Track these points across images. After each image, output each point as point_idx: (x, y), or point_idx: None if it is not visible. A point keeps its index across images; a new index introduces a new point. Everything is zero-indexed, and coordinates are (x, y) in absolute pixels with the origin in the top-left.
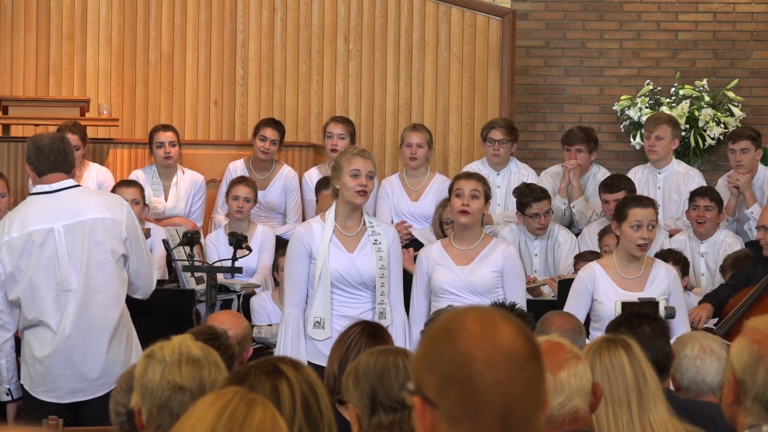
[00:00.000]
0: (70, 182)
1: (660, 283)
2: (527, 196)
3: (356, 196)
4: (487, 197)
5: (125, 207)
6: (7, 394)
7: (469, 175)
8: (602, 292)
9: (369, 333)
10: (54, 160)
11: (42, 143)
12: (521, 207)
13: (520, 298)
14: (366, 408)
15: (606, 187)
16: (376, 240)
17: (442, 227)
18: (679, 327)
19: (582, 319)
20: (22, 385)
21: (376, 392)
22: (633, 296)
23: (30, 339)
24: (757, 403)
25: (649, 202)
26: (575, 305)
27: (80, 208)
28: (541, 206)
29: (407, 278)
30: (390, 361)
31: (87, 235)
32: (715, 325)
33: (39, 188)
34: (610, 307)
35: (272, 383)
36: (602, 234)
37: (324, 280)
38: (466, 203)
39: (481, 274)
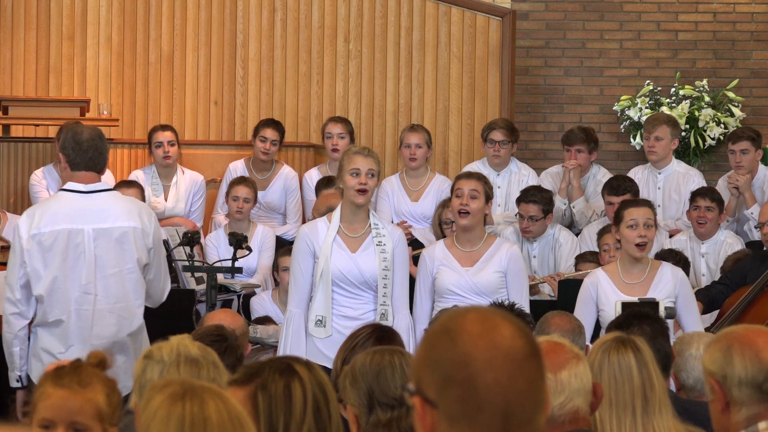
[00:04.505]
0: (104, 185)
1: (665, 286)
2: (520, 195)
3: (356, 195)
4: (488, 197)
5: (153, 217)
6: (18, 381)
7: (470, 175)
8: (604, 299)
9: (378, 336)
10: (90, 157)
11: (81, 137)
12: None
13: (523, 299)
14: (364, 407)
15: (612, 189)
16: (380, 242)
17: (441, 227)
18: (691, 328)
19: (591, 327)
20: (29, 376)
21: (373, 391)
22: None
23: (44, 335)
24: (744, 387)
25: (644, 202)
26: (582, 314)
27: (112, 215)
28: (526, 208)
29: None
30: (386, 360)
31: (116, 243)
32: (712, 324)
33: (72, 186)
34: (612, 313)
35: (285, 382)
36: (602, 233)
37: (325, 279)
38: (465, 203)
39: (486, 275)
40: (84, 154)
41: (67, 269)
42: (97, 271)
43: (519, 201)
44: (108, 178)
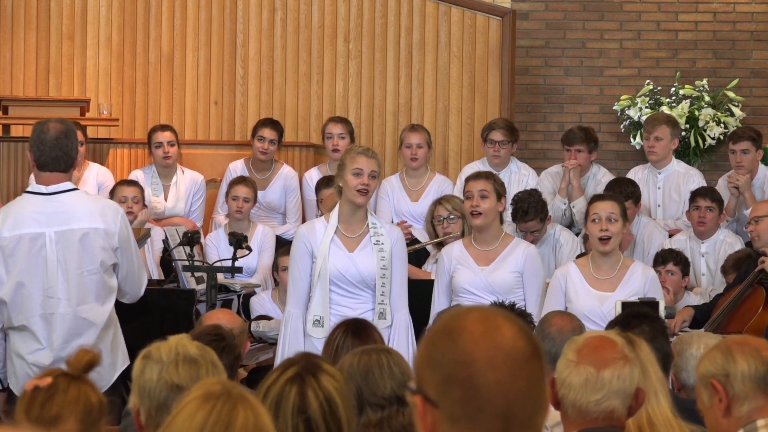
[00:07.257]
0: (67, 185)
1: (634, 284)
2: (515, 216)
3: (357, 195)
4: (500, 194)
5: (119, 215)
6: None
7: (478, 175)
8: (572, 290)
9: (353, 332)
10: (55, 156)
11: (46, 136)
12: None
13: (539, 298)
14: (354, 408)
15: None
16: (378, 241)
17: (433, 225)
18: None
19: None
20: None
21: (362, 391)
22: (604, 296)
23: (16, 340)
24: (747, 380)
25: (610, 197)
26: (550, 304)
27: (74, 216)
28: (525, 227)
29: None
30: (373, 359)
31: (79, 245)
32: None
33: (35, 188)
34: (580, 305)
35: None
36: (586, 238)
37: (323, 278)
38: (476, 204)
39: (501, 275)
40: (48, 153)
41: (29, 274)
42: (59, 275)
43: (515, 221)
44: (108, 178)
